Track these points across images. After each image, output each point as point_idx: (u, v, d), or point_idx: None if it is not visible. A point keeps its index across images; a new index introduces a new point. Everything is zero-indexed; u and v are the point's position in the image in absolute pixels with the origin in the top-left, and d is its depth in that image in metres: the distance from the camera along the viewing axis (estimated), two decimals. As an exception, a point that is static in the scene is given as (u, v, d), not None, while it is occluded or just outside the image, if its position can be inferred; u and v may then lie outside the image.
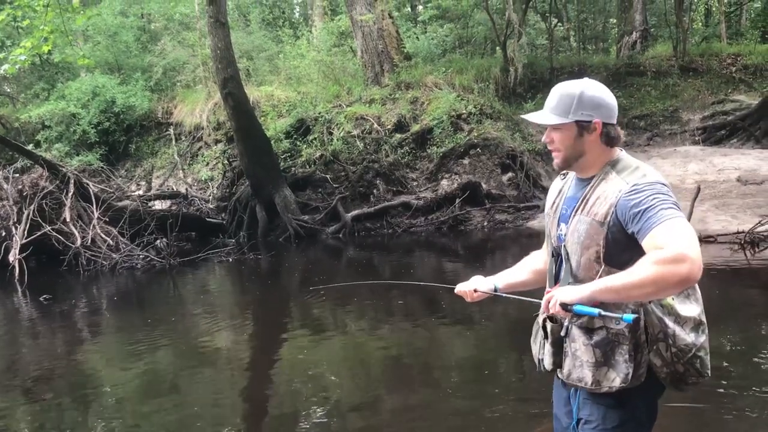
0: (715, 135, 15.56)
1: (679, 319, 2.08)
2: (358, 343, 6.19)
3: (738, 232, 8.93)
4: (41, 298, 8.43)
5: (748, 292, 7.08)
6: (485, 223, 12.42)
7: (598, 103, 2.11)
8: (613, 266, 2.04)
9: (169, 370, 5.77)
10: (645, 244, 1.93)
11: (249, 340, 6.74)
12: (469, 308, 6.96)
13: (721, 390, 4.28)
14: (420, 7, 24.79)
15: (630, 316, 1.96)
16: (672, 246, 1.85)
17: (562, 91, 2.16)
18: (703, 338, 2.12)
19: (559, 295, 2.07)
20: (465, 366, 5.22)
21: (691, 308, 2.11)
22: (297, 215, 12.58)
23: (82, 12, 12.17)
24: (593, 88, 2.14)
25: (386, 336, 6.15)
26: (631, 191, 1.99)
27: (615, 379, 2.08)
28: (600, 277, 2.06)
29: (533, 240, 11.36)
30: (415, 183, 13.40)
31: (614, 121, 2.13)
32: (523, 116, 2.27)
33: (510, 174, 13.42)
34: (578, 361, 2.16)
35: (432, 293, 8.10)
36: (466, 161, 13.38)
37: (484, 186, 12.92)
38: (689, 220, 9.26)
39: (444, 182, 13.23)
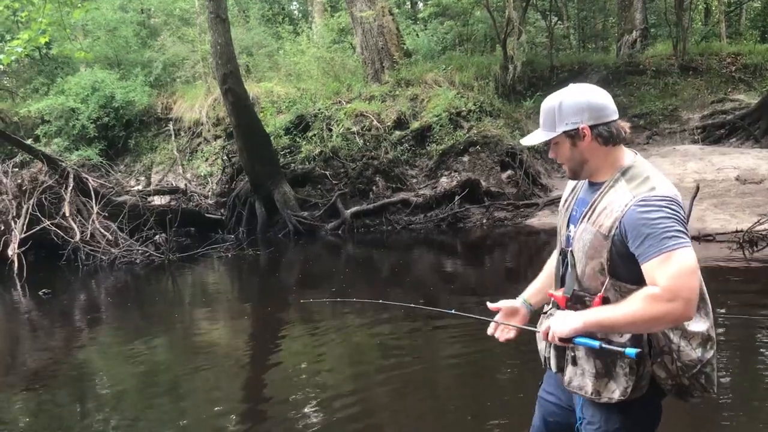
0: (715, 134, 15.58)
1: (686, 334, 2.03)
2: (356, 340, 6.20)
3: (737, 231, 8.96)
4: (40, 293, 8.44)
5: (747, 290, 7.09)
6: (484, 221, 12.43)
7: (581, 107, 2.06)
8: (618, 279, 2.02)
9: (168, 365, 5.78)
10: (644, 270, 1.92)
11: (247, 336, 6.75)
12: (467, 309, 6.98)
13: (720, 389, 4.30)
14: (420, 4, 24.77)
15: (633, 351, 1.94)
16: (667, 284, 1.85)
17: (545, 106, 2.14)
18: (710, 354, 2.06)
19: (554, 327, 2.07)
20: (463, 365, 5.23)
21: (700, 324, 2.05)
22: (296, 211, 12.58)
23: (80, 5, 12.16)
24: (574, 95, 2.09)
25: (385, 335, 6.15)
26: (639, 206, 1.93)
27: (615, 391, 2.06)
28: (605, 288, 2.04)
29: (532, 237, 11.39)
30: (414, 180, 13.41)
31: (609, 119, 2.06)
32: (521, 141, 2.26)
33: (509, 172, 13.42)
34: (580, 369, 2.15)
35: (433, 293, 8.12)
36: (465, 159, 13.38)
37: (483, 183, 12.92)
38: (687, 218, 9.31)
39: (443, 179, 13.23)
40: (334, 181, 13.13)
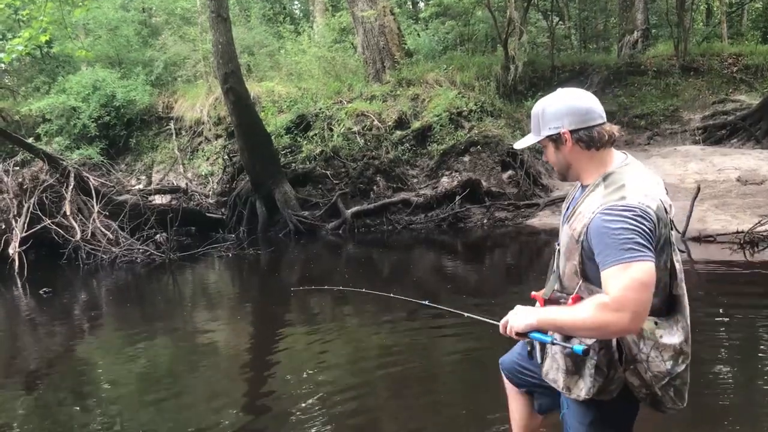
0: (716, 135, 15.57)
1: (658, 345, 2.04)
2: (356, 337, 6.20)
3: (737, 232, 8.95)
4: (41, 292, 8.44)
5: (748, 291, 7.08)
6: (485, 221, 12.43)
7: (563, 112, 2.11)
8: (590, 282, 2.04)
9: (168, 363, 5.78)
10: (601, 278, 1.94)
11: (248, 334, 6.76)
12: (468, 305, 6.96)
13: (719, 390, 4.31)
14: (421, 4, 24.78)
15: (580, 347, 1.98)
16: (616, 294, 1.86)
17: (533, 110, 2.21)
18: (680, 368, 2.07)
19: (512, 321, 2.14)
20: (462, 361, 5.23)
21: (674, 337, 2.06)
22: (297, 211, 12.59)
23: (81, 4, 12.17)
24: (557, 100, 2.14)
25: (384, 331, 6.16)
26: (603, 214, 1.95)
27: (582, 390, 2.12)
28: (579, 289, 2.08)
29: (533, 238, 11.38)
30: (415, 180, 13.41)
31: (591, 124, 2.09)
32: (514, 145, 2.44)
33: (510, 172, 13.42)
34: (555, 364, 2.22)
35: (433, 293, 8.12)
36: (466, 159, 13.38)
37: (484, 183, 12.92)
38: (689, 219, 9.31)
39: (444, 179, 13.23)
40: (334, 181, 13.13)
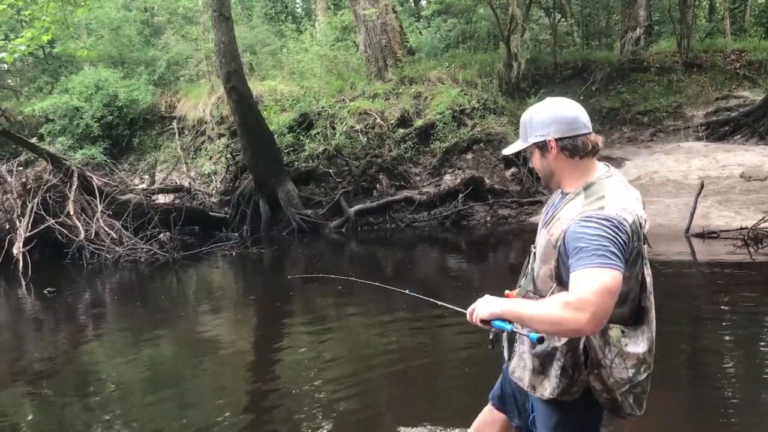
0: (719, 131, 15.51)
1: (622, 353, 2.08)
2: (359, 335, 6.22)
3: (741, 228, 8.93)
4: (45, 291, 8.46)
5: (751, 287, 7.08)
6: (488, 218, 12.43)
7: (550, 120, 2.16)
8: (564, 287, 2.06)
9: (172, 362, 5.80)
10: (570, 279, 1.98)
11: (251, 333, 6.77)
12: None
13: (722, 383, 4.31)
14: (423, 2, 24.75)
15: (535, 335, 2.04)
16: (579, 295, 1.90)
17: (521, 118, 2.27)
18: (642, 377, 2.12)
19: (478, 309, 2.18)
20: (463, 355, 5.23)
21: (639, 346, 2.11)
22: (300, 209, 12.60)
23: (83, 4, 12.18)
24: (544, 109, 2.20)
25: (387, 328, 6.17)
26: (581, 221, 1.99)
27: (546, 389, 2.16)
28: (552, 293, 2.11)
29: (536, 235, 11.37)
30: (418, 178, 13.40)
31: (576, 133, 2.13)
32: (503, 151, 2.52)
33: (513, 169, 13.41)
34: (522, 363, 2.28)
35: (435, 290, 8.13)
36: (469, 156, 13.38)
37: (487, 181, 12.91)
38: (692, 215, 9.28)
39: (447, 177, 13.23)
40: (337, 179, 13.14)
